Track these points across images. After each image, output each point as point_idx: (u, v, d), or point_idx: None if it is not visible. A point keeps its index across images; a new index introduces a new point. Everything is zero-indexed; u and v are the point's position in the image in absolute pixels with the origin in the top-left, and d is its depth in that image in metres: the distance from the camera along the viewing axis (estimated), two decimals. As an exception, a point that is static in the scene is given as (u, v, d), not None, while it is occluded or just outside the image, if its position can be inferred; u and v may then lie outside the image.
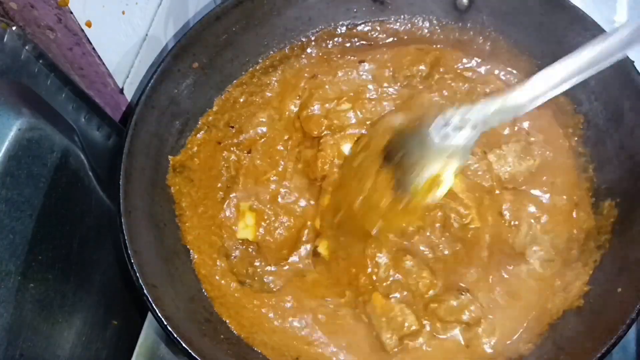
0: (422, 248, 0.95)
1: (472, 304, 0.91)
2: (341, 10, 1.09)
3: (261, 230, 1.00)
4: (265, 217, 1.00)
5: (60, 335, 0.90)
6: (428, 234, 0.95)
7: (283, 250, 0.99)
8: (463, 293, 0.92)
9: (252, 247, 0.99)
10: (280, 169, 1.04)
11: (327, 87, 1.07)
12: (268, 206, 1.01)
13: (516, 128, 1.02)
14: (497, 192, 0.98)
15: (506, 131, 1.02)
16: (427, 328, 0.91)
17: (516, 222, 0.97)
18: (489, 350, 0.90)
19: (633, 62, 0.91)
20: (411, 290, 0.93)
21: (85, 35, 0.87)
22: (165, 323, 0.82)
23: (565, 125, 1.02)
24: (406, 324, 0.89)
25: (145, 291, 0.83)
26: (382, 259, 0.93)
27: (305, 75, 1.09)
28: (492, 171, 0.99)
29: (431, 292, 0.92)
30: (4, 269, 0.78)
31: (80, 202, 0.93)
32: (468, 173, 0.98)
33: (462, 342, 0.91)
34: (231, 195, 1.02)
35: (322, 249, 0.96)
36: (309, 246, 0.97)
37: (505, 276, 0.94)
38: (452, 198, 0.95)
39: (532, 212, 0.97)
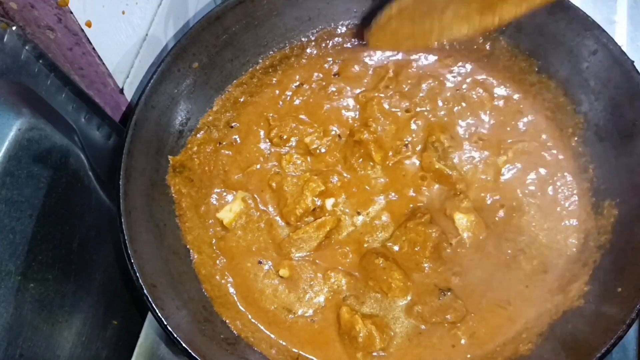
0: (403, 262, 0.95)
1: (455, 302, 0.91)
2: (341, 10, 1.09)
3: (237, 224, 1.00)
4: (250, 214, 1.00)
5: (60, 335, 0.90)
6: (417, 248, 0.95)
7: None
8: (445, 292, 0.92)
9: (219, 228, 1.00)
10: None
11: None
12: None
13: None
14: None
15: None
16: (413, 329, 0.91)
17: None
18: (477, 350, 0.90)
19: (633, 62, 0.91)
20: (383, 291, 0.93)
21: (85, 35, 0.87)
22: (165, 323, 0.82)
23: (565, 126, 1.02)
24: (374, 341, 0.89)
25: (145, 291, 0.83)
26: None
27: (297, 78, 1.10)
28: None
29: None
30: (4, 269, 0.78)
31: (80, 202, 0.93)
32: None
33: (449, 342, 0.90)
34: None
35: (284, 272, 0.96)
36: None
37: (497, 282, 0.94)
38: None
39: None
